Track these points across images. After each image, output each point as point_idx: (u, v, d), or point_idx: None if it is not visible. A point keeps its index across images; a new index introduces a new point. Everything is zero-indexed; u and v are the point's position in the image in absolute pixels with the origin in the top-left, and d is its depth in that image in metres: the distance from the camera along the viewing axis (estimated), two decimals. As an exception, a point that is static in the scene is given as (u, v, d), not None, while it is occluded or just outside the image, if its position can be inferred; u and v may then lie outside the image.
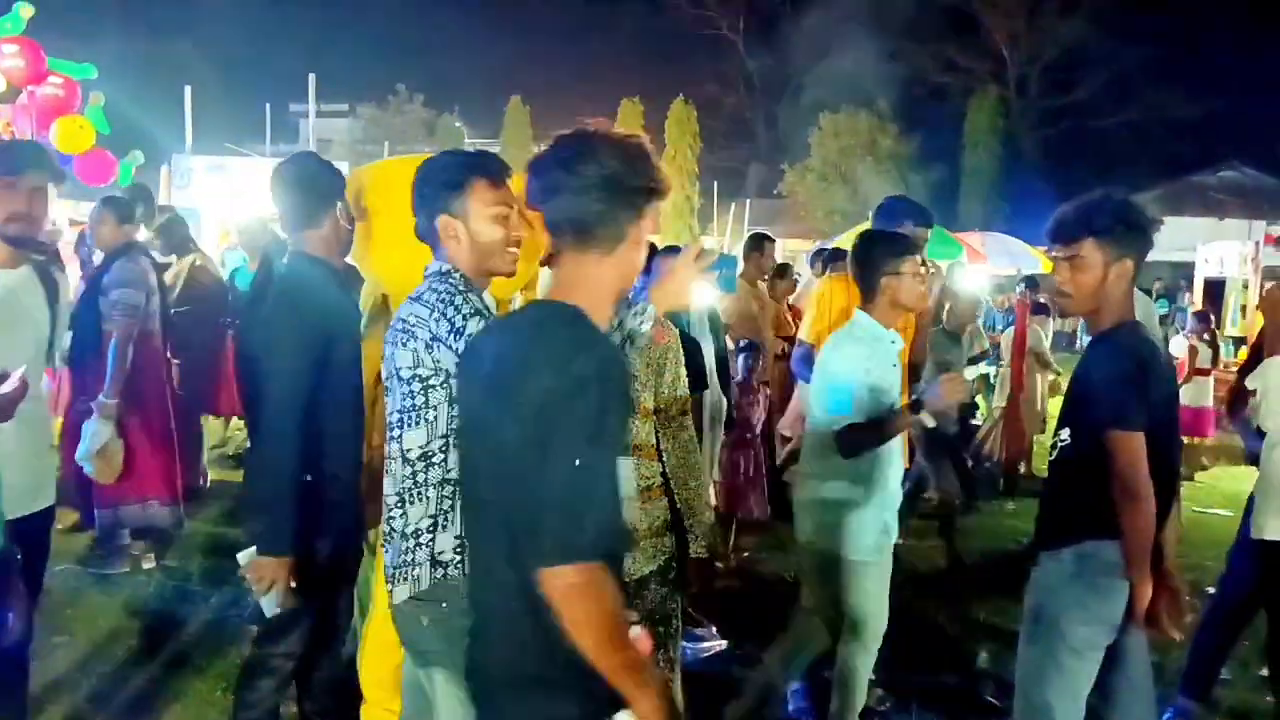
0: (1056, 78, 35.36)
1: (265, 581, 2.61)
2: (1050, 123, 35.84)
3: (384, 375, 2.17)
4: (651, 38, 39.86)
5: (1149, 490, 2.34)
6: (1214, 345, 9.10)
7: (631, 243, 1.73)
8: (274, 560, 2.60)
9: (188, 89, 13.04)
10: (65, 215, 9.74)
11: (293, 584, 2.64)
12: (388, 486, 2.14)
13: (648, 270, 3.11)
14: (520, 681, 1.66)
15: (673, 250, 3.37)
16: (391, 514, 2.12)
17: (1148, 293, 12.21)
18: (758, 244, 6.45)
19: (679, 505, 2.72)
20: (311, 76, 13.40)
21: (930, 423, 3.05)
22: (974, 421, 7.98)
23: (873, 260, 3.14)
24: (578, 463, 1.51)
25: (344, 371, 2.74)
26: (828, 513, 3.12)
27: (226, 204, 11.94)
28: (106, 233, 4.83)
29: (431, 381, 2.06)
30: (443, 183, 2.18)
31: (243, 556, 2.68)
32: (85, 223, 9.39)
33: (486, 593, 1.75)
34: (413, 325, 2.07)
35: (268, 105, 18.96)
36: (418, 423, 2.07)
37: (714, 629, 4.25)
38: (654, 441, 2.67)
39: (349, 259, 3.02)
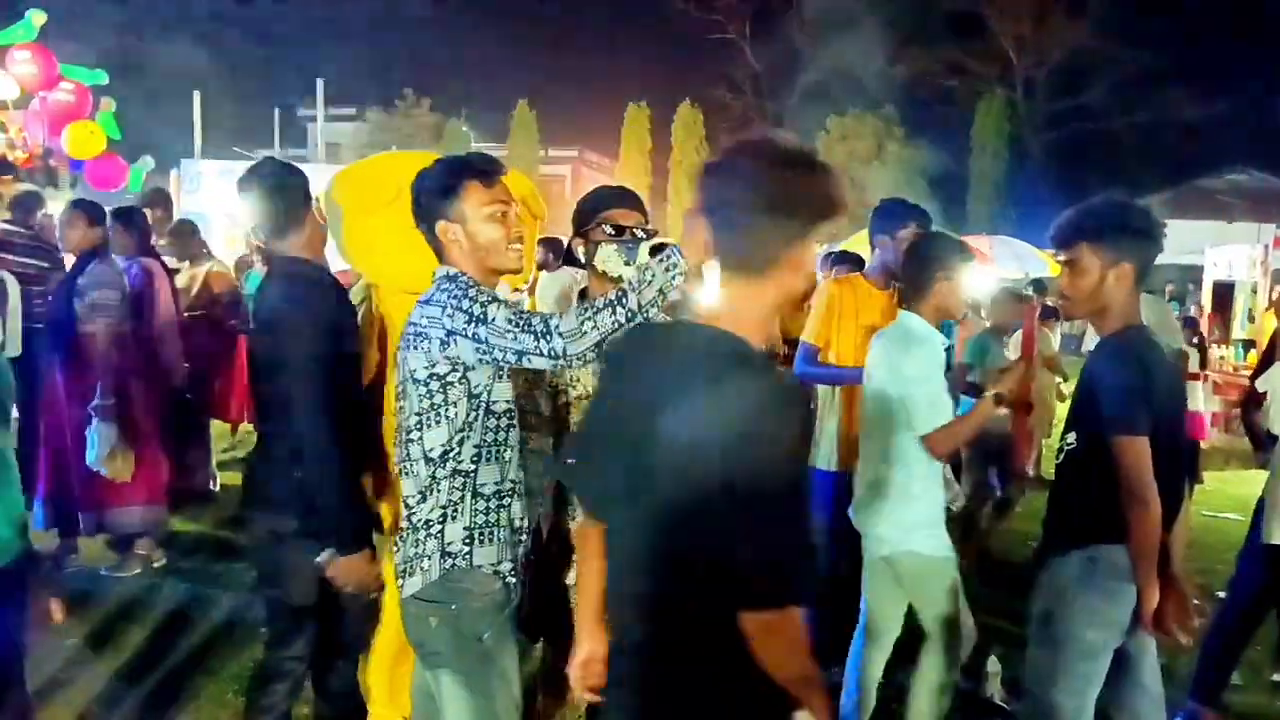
0: (1063, 81, 35.27)
1: (356, 580, 2.61)
2: (1057, 126, 35.76)
3: (399, 381, 2.18)
4: (658, 42, 40.00)
5: (1154, 494, 2.35)
6: (1203, 349, 9.12)
7: (792, 266, 1.60)
8: (356, 558, 2.57)
9: (197, 94, 13.14)
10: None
11: (379, 571, 2.65)
12: (408, 487, 2.16)
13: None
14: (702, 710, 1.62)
15: None
16: (411, 512, 2.14)
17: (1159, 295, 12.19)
18: None
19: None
20: (320, 81, 13.49)
21: (1004, 412, 3.11)
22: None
23: (930, 261, 3.09)
24: (780, 512, 1.49)
25: (349, 366, 2.75)
26: (918, 516, 3.03)
27: (235, 209, 11.98)
28: (76, 236, 4.77)
29: (450, 378, 2.08)
30: (435, 190, 2.20)
31: (323, 558, 2.61)
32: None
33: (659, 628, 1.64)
34: (425, 326, 2.08)
35: (276, 110, 19.08)
36: (438, 421, 2.10)
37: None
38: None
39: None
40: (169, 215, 6.74)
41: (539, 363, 2.04)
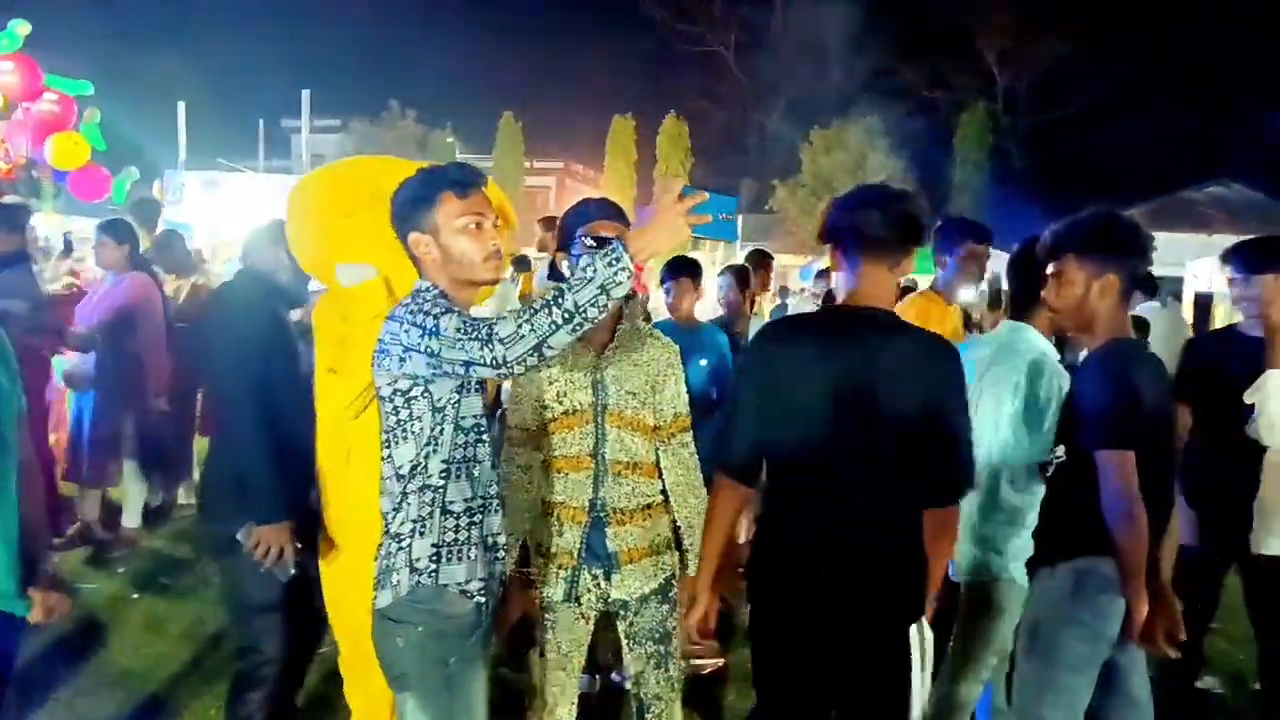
0: (1045, 94, 35.64)
1: (273, 549, 2.75)
2: (1038, 138, 36.10)
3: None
4: (643, 55, 40.17)
5: (1140, 508, 2.35)
6: None
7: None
8: (273, 527, 2.75)
9: (181, 105, 13.08)
10: (59, 230, 9.74)
11: (298, 544, 2.78)
12: (385, 505, 2.14)
13: None
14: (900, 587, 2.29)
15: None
16: (387, 524, 2.14)
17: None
18: (760, 261, 6.42)
19: (679, 523, 2.71)
20: (305, 92, 13.45)
21: None
22: None
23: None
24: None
25: (280, 364, 2.93)
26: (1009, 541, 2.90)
27: (219, 219, 11.94)
28: None
29: (412, 393, 2.07)
30: (411, 199, 2.16)
31: (241, 534, 2.79)
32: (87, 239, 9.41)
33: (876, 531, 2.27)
34: (386, 343, 2.07)
35: (260, 121, 19.00)
36: (405, 437, 2.09)
37: (714, 644, 4.24)
38: (654, 459, 2.67)
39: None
40: (154, 227, 6.70)
41: (484, 372, 1.98)
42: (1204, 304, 14.00)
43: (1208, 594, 3.74)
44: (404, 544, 2.10)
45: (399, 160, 2.87)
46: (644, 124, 34.33)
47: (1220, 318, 13.38)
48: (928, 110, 36.13)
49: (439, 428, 2.09)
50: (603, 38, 41.65)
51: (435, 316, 2.00)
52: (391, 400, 2.09)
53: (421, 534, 2.10)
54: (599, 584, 2.61)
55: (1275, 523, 3.27)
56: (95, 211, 11.49)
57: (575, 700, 2.68)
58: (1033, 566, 2.66)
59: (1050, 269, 2.59)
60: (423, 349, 2.00)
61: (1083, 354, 2.89)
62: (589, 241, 2.53)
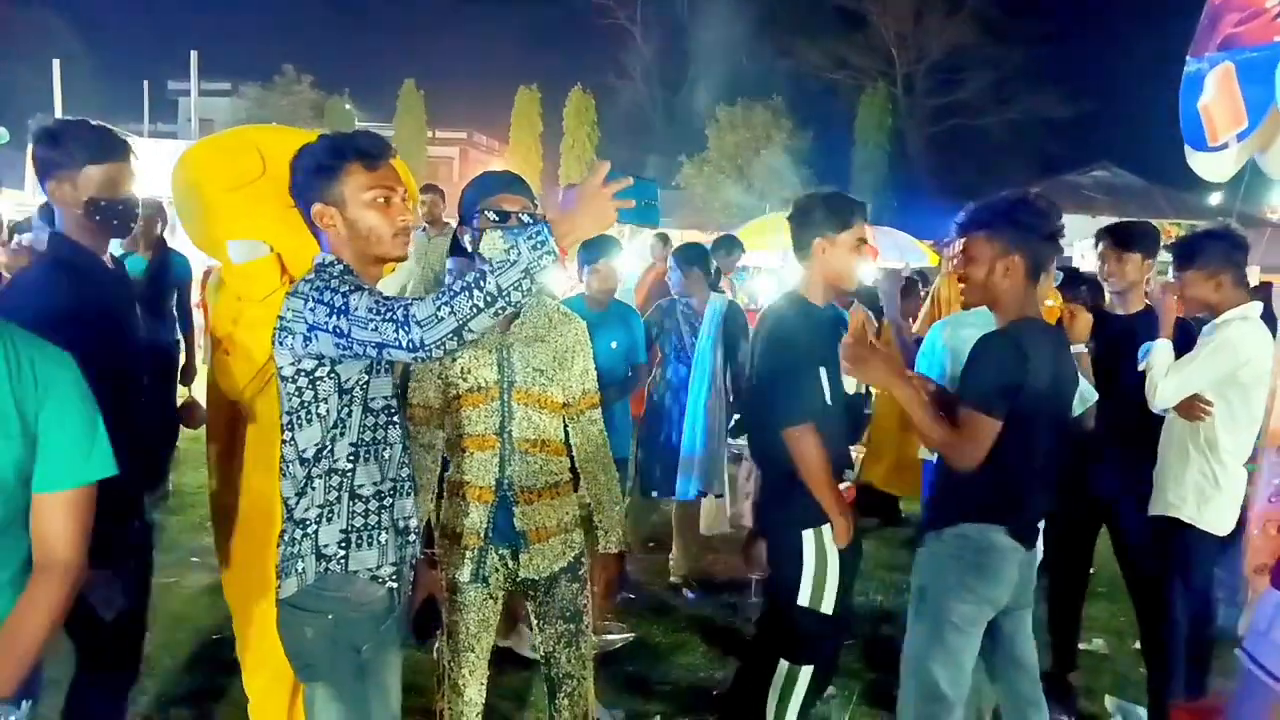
0: (942, 77, 36.62)
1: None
2: (936, 121, 37.11)
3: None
4: (549, 26, 39.72)
5: (969, 462, 2.49)
6: None
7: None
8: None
9: (56, 62, 12.33)
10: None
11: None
12: (286, 488, 2.05)
13: None
14: None
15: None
16: (290, 510, 2.04)
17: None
18: (728, 247, 6.35)
19: (589, 500, 2.69)
20: (194, 54, 12.82)
21: None
22: None
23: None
24: None
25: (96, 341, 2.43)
26: None
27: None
28: None
29: (318, 374, 1.97)
30: (314, 169, 2.04)
31: None
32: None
33: None
34: (289, 321, 1.95)
35: (145, 83, 18.09)
36: (309, 420, 1.99)
37: (621, 625, 4.25)
38: (562, 437, 2.64)
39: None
40: None
41: (399, 355, 1.86)
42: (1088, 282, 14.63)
43: (1085, 558, 3.97)
44: (309, 530, 2.01)
45: (293, 130, 2.75)
46: (550, 96, 34.03)
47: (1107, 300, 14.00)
48: (831, 91, 36.77)
49: (346, 409, 1.99)
50: (509, 6, 40.98)
51: (344, 294, 1.89)
52: (294, 381, 1.98)
53: (329, 519, 2.01)
54: (506, 563, 2.56)
55: (1165, 484, 3.43)
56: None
57: (484, 681, 2.64)
58: (920, 532, 2.78)
59: (960, 244, 2.68)
60: (329, 328, 1.88)
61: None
62: (491, 215, 2.46)
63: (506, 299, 1.80)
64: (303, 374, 1.97)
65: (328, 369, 1.96)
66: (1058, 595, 3.90)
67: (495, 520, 2.53)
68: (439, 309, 1.80)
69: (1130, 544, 3.68)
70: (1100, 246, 3.75)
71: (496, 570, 2.56)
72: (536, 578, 2.58)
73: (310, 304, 1.91)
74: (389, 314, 1.84)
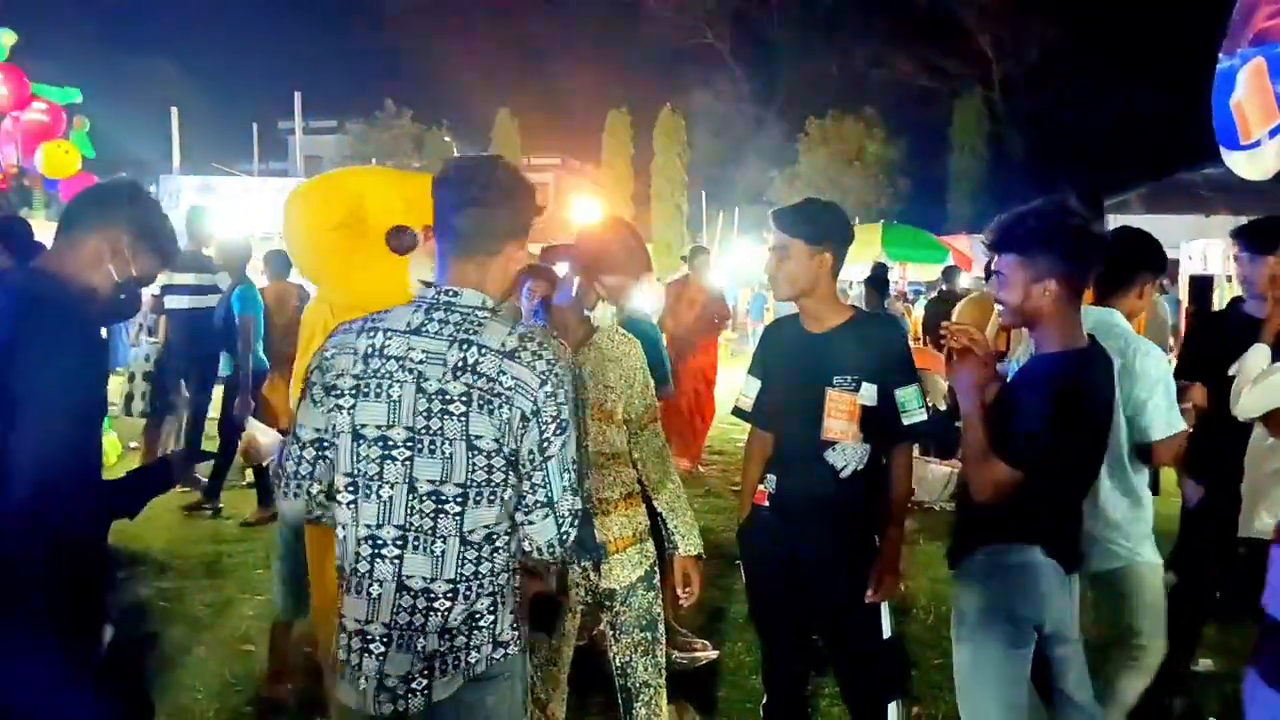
0: (1040, 78, 35.50)
1: None
2: (1035, 123, 35.97)
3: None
4: (639, 49, 40.04)
5: (983, 490, 2.38)
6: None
7: None
8: None
9: (174, 110, 13.07)
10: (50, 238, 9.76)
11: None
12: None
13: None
14: None
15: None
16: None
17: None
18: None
19: (659, 510, 2.73)
20: (297, 94, 13.44)
21: None
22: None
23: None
24: None
25: None
26: (1149, 525, 3.00)
27: (215, 223, 11.93)
28: None
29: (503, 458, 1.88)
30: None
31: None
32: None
33: None
34: (507, 390, 1.80)
35: (255, 124, 18.99)
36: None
37: (705, 643, 4.24)
38: (628, 449, 2.69)
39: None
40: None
41: (543, 535, 1.87)
42: (1203, 285, 13.95)
43: (1208, 577, 3.70)
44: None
45: (392, 171, 2.93)
46: (640, 118, 34.36)
47: (1216, 301, 13.34)
48: (924, 98, 36.11)
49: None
50: (598, 33, 41.59)
51: (573, 411, 1.87)
52: (488, 457, 1.81)
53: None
54: (588, 576, 2.62)
55: (1257, 504, 3.24)
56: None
57: (565, 696, 2.69)
58: (956, 555, 2.61)
59: (993, 265, 2.50)
60: (548, 442, 1.83)
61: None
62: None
63: None
64: (496, 454, 1.84)
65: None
66: (1175, 613, 3.70)
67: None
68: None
69: (1245, 565, 3.50)
70: (1234, 249, 3.50)
71: (577, 584, 2.62)
72: (616, 587, 2.63)
73: (558, 391, 1.85)
74: (578, 484, 1.94)
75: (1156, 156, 29.60)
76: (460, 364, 1.79)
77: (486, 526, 1.82)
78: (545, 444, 1.81)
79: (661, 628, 2.71)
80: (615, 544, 2.61)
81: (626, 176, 34.17)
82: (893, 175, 34.52)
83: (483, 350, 1.79)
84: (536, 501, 1.83)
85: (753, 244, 20.04)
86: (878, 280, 9.03)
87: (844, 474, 2.71)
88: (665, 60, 39.11)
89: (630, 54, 39.52)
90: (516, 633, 1.90)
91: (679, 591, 2.74)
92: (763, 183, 33.57)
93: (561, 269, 2.97)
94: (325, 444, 1.87)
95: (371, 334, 1.84)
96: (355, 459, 1.83)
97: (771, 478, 2.84)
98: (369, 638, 1.83)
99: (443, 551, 1.80)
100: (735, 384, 3.26)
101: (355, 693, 1.85)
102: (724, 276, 16.98)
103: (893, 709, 2.84)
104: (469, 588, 1.82)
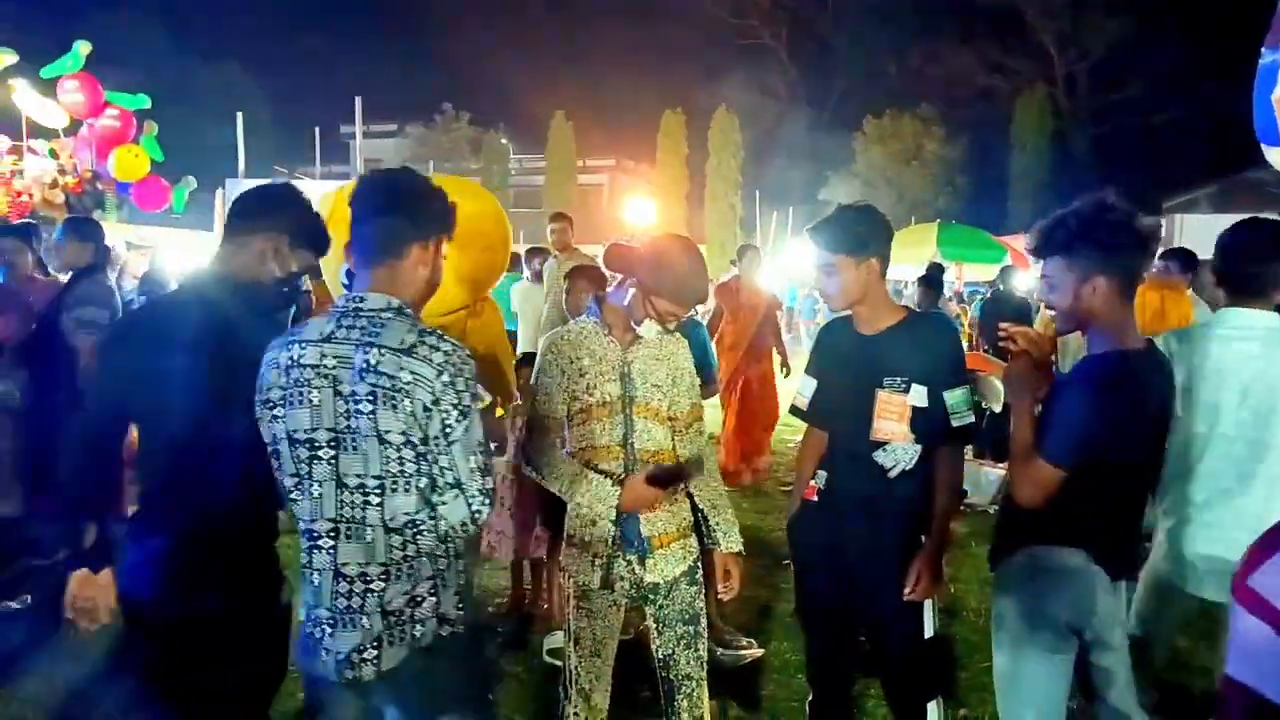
0: (1105, 75, 34.65)
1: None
2: (1100, 121, 35.17)
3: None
4: (694, 50, 40.05)
5: (1029, 500, 2.34)
6: None
7: None
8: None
9: (239, 115, 13.40)
10: (123, 239, 10.08)
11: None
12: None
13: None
14: None
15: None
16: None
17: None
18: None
19: (701, 507, 2.77)
20: (358, 99, 13.63)
21: None
22: None
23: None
24: None
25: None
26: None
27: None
28: (71, 254, 4.88)
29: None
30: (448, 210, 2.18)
31: None
32: (144, 247, 9.75)
33: None
34: (407, 385, 1.96)
35: (317, 128, 19.34)
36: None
37: (750, 640, 4.26)
38: (672, 446, 2.72)
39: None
40: None
41: (456, 514, 2.00)
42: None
43: None
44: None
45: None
46: (695, 118, 34.29)
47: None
48: (985, 96, 35.48)
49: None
50: (654, 35, 41.67)
51: (475, 396, 1.98)
52: (398, 449, 1.95)
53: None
54: (633, 570, 2.66)
55: None
56: (160, 222, 11.88)
57: (609, 687, 2.73)
58: (997, 556, 2.57)
59: (1040, 270, 2.47)
60: (450, 428, 1.94)
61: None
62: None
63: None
64: (409, 445, 2.02)
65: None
66: None
67: (622, 528, 2.64)
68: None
69: None
70: None
71: (622, 578, 2.66)
72: (660, 581, 2.67)
73: (453, 380, 1.98)
74: (487, 470, 2.04)
75: (1224, 154, 28.70)
76: (365, 365, 1.93)
77: (407, 514, 1.96)
78: (448, 429, 1.93)
79: (704, 622, 2.75)
80: (660, 539, 2.66)
81: (681, 177, 34.14)
82: (951, 174, 34.01)
83: (383, 351, 1.93)
84: (446, 484, 1.96)
85: (806, 244, 19.88)
86: (933, 280, 8.94)
87: (893, 474, 2.73)
88: (720, 61, 39.05)
89: (685, 55, 39.59)
90: (462, 613, 2.05)
91: (720, 586, 2.77)
92: (818, 182, 33.33)
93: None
94: (277, 454, 2.05)
95: (289, 347, 2.01)
96: (293, 461, 2.00)
97: (822, 474, 2.86)
98: (318, 620, 2.02)
99: (372, 539, 1.97)
100: (791, 386, 3.28)
101: (317, 664, 2.05)
102: (779, 277, 16.89)
103: (932, 709, 2.84)
104: (398, 570, 1.98)
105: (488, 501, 1.98)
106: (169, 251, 9.64)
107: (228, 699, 2.30)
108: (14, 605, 4.57)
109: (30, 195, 8.90)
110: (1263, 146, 2.83)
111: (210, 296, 2.33)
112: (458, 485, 1.96)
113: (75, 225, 5.07)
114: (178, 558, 2.22)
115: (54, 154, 9.60)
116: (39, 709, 3.61)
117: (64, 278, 5.22)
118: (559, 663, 2.98)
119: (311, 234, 2.48)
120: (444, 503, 1.97)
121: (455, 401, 1.93)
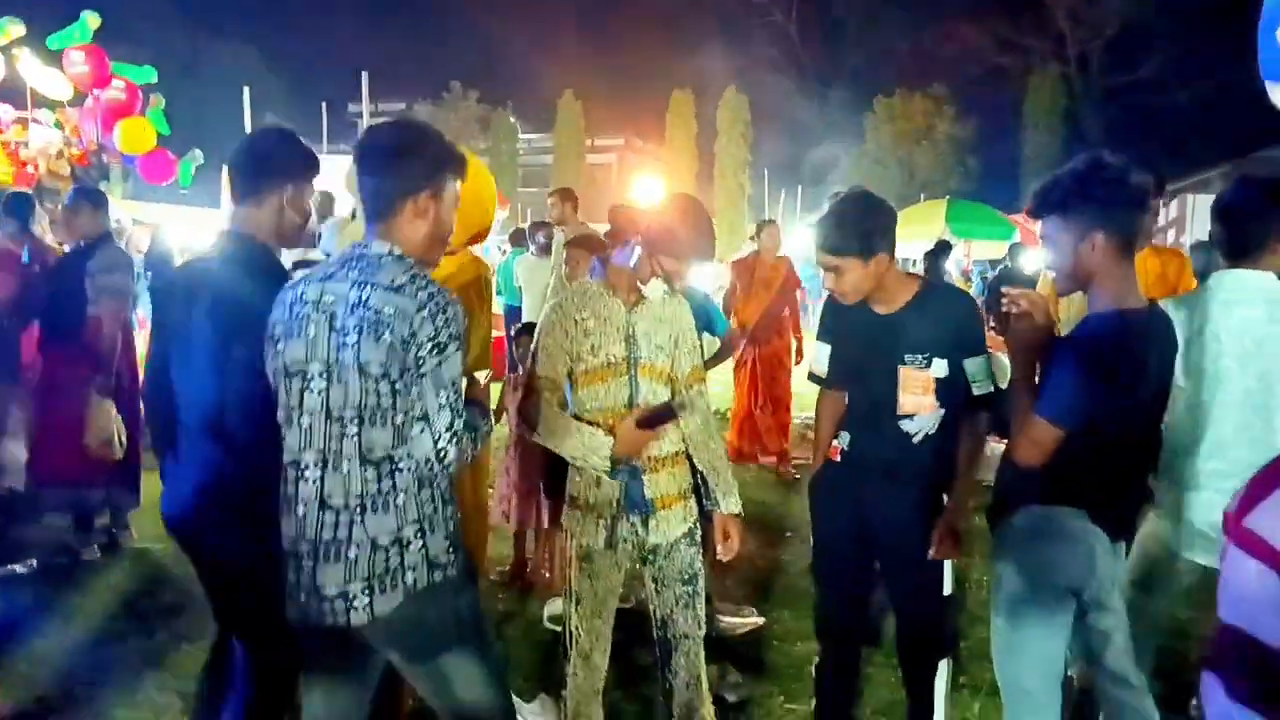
0: (1119, 54, 34.31)
1: None
2: (1113, 100, 34.83)
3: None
4: (703, 28, 39.76)
5: (1027, 457, 2.34)
6: None
7: None
8: None
9: (246, 89, 13.36)
10: (129, 214, 10.09)
11: None
12: None
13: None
14: None
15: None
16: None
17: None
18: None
19: (701, 469, 2.76)
20: (364, 75, 13.54)
21: None
22: None
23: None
24: None
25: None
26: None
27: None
28: (84, 222, 4.86)
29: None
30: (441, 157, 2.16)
31: None
32: (148, 224, 9.77)
33: None
34: (389, 317, 2.00)
35: (324, 104, 19.28)
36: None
37: (751, 609, 4.27)
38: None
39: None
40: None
41: (420, 448, 2.00)
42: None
43: None
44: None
45: None
46: (704, 98, 34.15)
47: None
48: (996, 74, 35.18)
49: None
50: (661, 13, 41.40)
51: (453, 337, 1.99)
52: (375, 382, 1.97)
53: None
54: (636, 531, 2.66)
55: None
56: (166, 198, 11.88)
57: (608, 648, 2.74)
58: (995, 517, 2.56)
59: (1039, 231, 2.45)
60: (422, 360, 1.95)
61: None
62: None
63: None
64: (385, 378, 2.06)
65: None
66: None
67: (628, 490, 2.64)
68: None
69: None
70: None
71: (625, 539, 2.66)
72: (661, 542, 2.68)
73: (432, 314, 2.01)
74: (461, 407, 2.06)
75: (1238, 134, 28.41)
76: (356, 301, 1.98)
77: (384, 448, 1.97)
78: (420, 361, 1.95)
79: (702, 583, 2.76)
80: (662, 500, 2.67)
81: (690, 156, 34.05)
82: (962, 154, 33.82)
83: (374, 287, 1.97)
84: (414, 417, 1.97)
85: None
86: (939, 256, 8.92)
87: (917, 439, 2.72)
88: (729, 40, 38.79)
89: (694, 34, 39.28)
90: (452, 557, 2.06)
91: (719, 547, 2.78)
92: (828, 161, 33.18)
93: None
94: (276, 390, 2.08)
95: (294, 286, 2.08)
96: (286, 393, 2.04)
97: (845, 434, 2.85)
98: (300, 556, 2.02)
99: (349, 470, 1.98)
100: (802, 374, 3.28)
101: (298, 608, 2.04)
102: (790, 256, 16.78)
103: (943, 666, 2.85)
104: (375, 503, 1.98)
105: (454, 440, 1.97)
106: (174, 227, 9.65)
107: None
108: (19, 569, 4.63)
109: (35, 166, 8.91)
110: (1266, 83, 2.78)
111: (250, 264, 2.40)
112: (424, 419, 1.97)
113: (89, 194, 5.08)
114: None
115: (60, 125, 9.61)
116: (46, 670, 3.63)
117: (66, 248, 5.23)
118: (559, 628, 2.98)
119: (308, 163, 2.53)
120: (411, 436, 1.98)
121: (431, 334, 1.94)
